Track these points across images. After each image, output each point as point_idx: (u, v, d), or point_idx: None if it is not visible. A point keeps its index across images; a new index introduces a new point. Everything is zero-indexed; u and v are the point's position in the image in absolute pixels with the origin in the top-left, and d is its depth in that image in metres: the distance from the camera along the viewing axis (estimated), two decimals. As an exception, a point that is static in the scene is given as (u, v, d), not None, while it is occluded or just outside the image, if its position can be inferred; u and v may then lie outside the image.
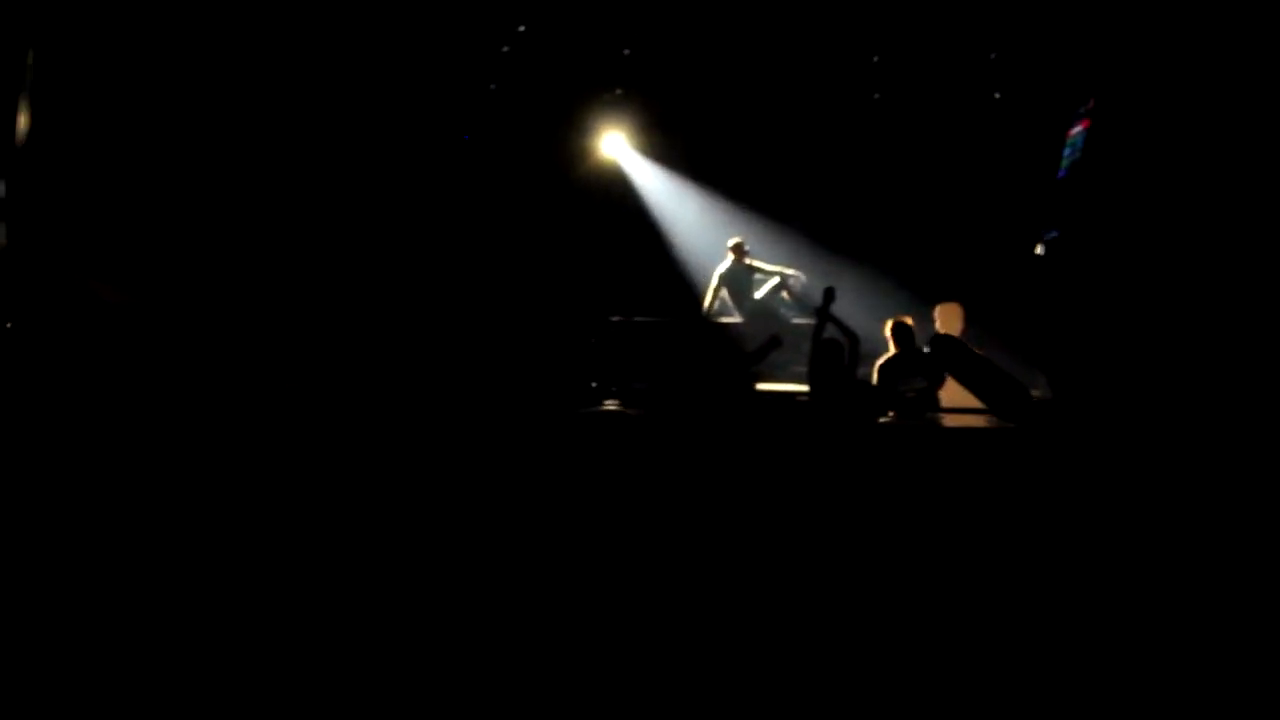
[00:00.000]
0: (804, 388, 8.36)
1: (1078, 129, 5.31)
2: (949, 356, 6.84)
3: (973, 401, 7.90)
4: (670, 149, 10.39)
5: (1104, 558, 4.16)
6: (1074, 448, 4.70)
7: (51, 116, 7.28)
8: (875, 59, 9.26)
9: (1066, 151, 5.55)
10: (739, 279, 9.73)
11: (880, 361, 7.83)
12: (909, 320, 7.85)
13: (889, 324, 7.83)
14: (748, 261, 9.68)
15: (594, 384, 8.95)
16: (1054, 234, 5.13)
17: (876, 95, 9.61)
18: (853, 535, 4.78)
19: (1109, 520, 4.30)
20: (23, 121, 7.04)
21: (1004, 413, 5.93)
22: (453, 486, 5.36)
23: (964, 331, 8.45)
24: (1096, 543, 4.23)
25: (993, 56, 8.94)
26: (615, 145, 10.33)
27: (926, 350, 7.63)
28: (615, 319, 9.52)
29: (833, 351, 7.63)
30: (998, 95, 9.24)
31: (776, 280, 9.64)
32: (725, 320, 9.63)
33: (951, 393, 7.75)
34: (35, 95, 7.06)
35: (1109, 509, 4.34)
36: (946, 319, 8.43)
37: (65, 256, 7.37)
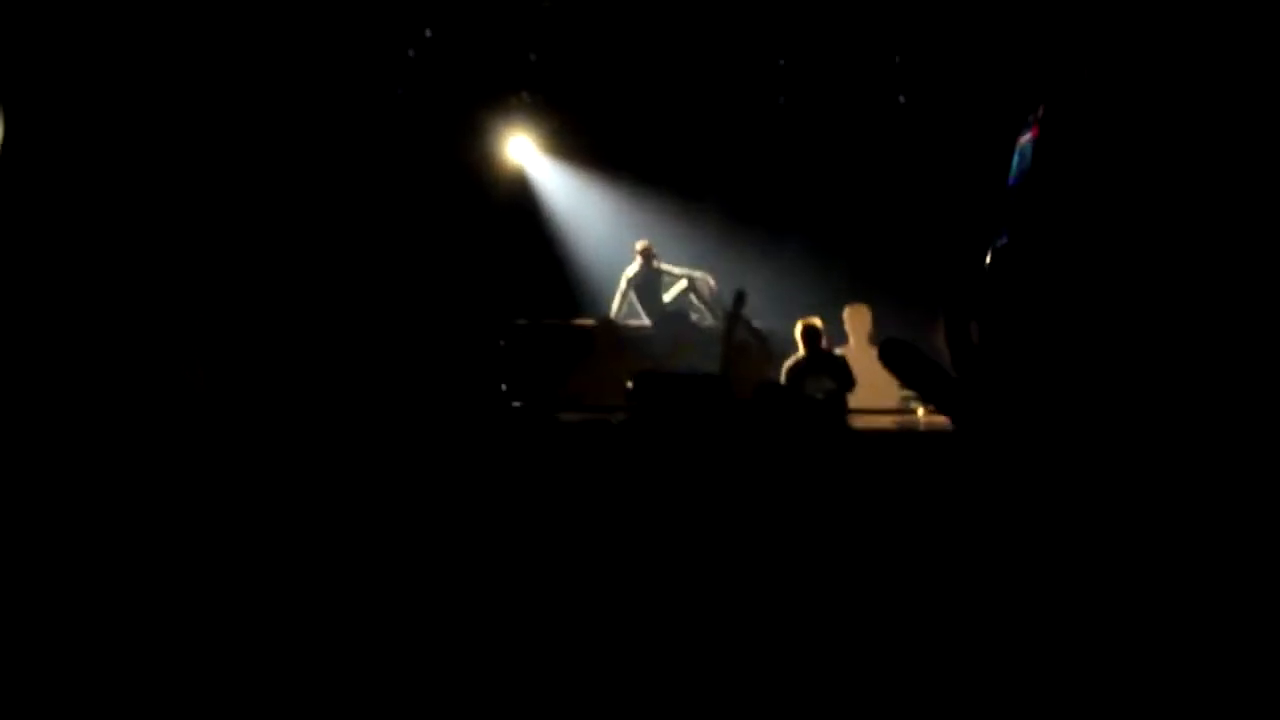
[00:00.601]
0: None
1: (1027, 136, 5.35)
2: (900, 363, 6.88)
3: (886, 405, 7.99)
4: (578, 152, 10.31)
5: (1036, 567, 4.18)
6: (1014, 454, 4.73)
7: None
8: (781, 62, 9.30)
9: (1015, 159, 5.59)
10: (647, 282, 9.67)
11: (788, 364, 7.86)
12: (818, 322, 7.88)
13: (799, 326, 7.86)
14: (656, 264, 9.62)
15: (504, 387, 8.86)
16: (1003, 240, 5.17)
17: (781, 99, 9.64)
18: (769, 542, 4.74)
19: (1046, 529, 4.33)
20: None
21: (957, 418, 5.97)
22: (351, 494, 5.23)
23: (872, 334, 8.54)
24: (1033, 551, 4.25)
25: (897, 60, 9.04)
26: (522, 149, 10.22)
27: (877, 357, 7.68)
28: (522, 323, 9.41)
29: (743, 354, 7.62)
30: (902, 99, 9.36)
31: (685, 283, 9.61)
32: (633, 324, 9.57)
33: (865, 396, 7.82)
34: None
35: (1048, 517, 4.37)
36: (855, 321, 8.51)
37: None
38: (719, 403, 6.69)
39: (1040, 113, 4.59)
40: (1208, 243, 4.42)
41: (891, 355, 6.28)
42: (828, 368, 7.77)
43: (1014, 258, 4.63)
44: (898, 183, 9.73)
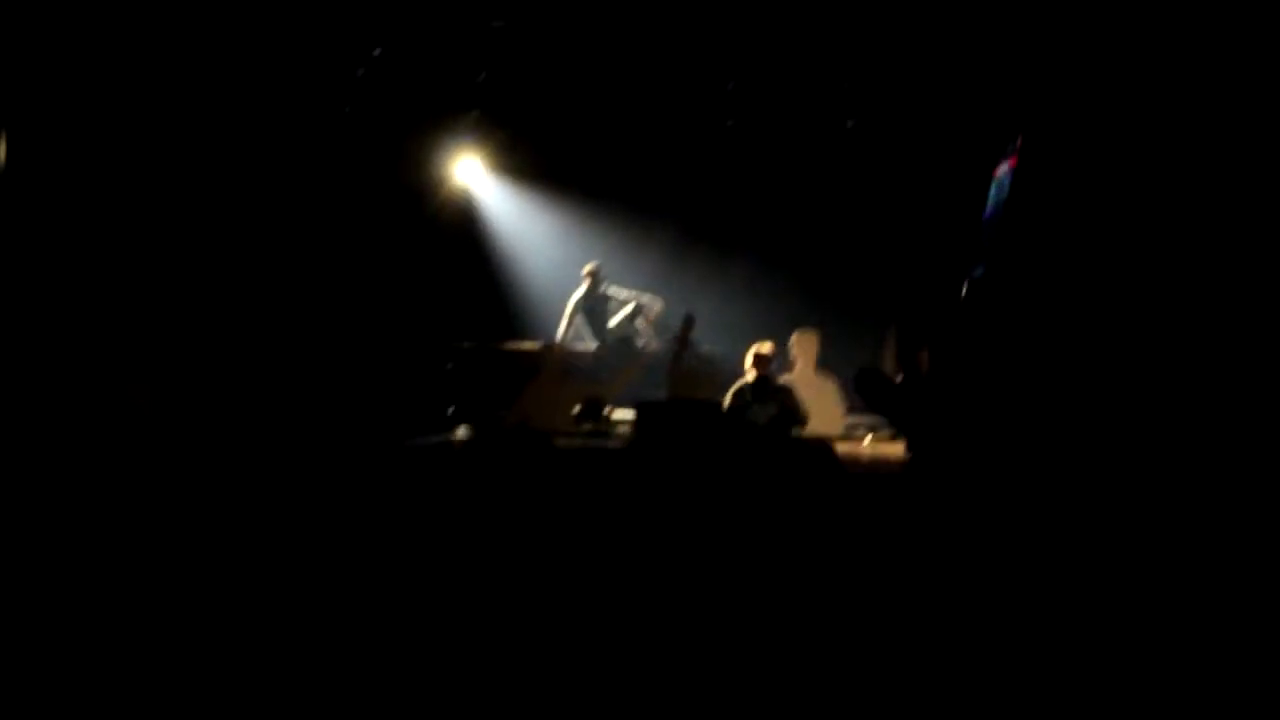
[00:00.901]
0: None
1: (1004, 167, 5.38)
2: (871, 392, 6.95)
3: (832, 432, 7.98)
4: (526, 174, 10.25)
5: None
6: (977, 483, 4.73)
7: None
8: (730, 85, 9.30)
9: (993, 190, 5.62)
10: (594, 306, 9.61)
11: (734, 388, 7.83)
12: (768, 348, 7.86)
13: (750, 351, 7.83)
14: (603, 288, 9.57)
15: (450, 410, 8.75)
16: (979, 271, 5.19)
17: (730, 123, 9.64)
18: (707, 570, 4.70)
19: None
20: None
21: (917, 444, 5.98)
22: (298, 514, 5.13)
23: (819, 360, 8.53)
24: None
25: (845, 85, 9.07)
26: (470, 170, 10.14)
27: (853, 386, 7.70)
28: (469, 345, 9.32)
29: (689, 380, 7.58)
30: (850, 123, 9.39)
31: (632, 307, 9.55)
32: (579, 347, 9.50)
33: (811, 423, 7.80)
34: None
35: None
36: (803, 346, 8.49)
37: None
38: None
39: (1019, 144, 4.63)
40: (1183, 272, 4.47)
41: (864, 384, 6.32)
42: (774, 395, 7.74)
43: (991, 289, 4.65)
44: (846, 207, 9.77)
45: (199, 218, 8.56)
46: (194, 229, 8.52)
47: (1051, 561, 4.22)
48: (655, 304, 9.55)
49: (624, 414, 8.32)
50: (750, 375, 7.79)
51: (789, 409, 7.69)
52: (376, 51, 8.88)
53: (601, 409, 8.45)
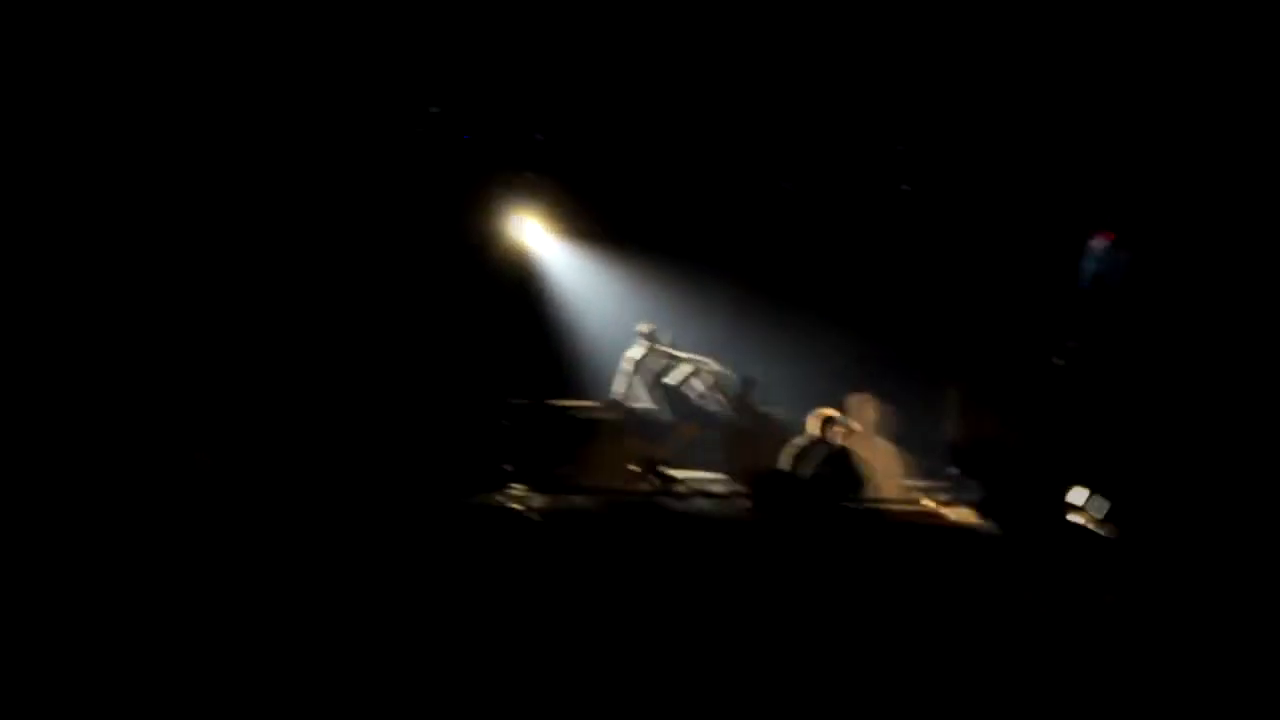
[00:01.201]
0: (717, 476, 8.34)
1: (1101, 240, 5.39)
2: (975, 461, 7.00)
3: (890, 495, 7.94)
4: (586, 231, 10.34)
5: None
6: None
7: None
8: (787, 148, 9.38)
9: (1089, 262, 5.63)
10: (650, 365, 9.62)
11: (794, 449, 7.82)
12: (829, 411, 7.87)
13: (814, 415, 7.86)
14: (660, 347, 9.58)
15: (508, 468, 8.78)
16: (1074, 344, 5.19)
17: (788, 185, 9.70)
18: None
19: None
20: None
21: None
22: (361, 572, 5.16)
23: (876, 424, 8.49)
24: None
25: (900, 149, 9.12)
26: (528, 228, 10.25)
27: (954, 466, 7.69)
28: (526, 403, 9.34)
29: (749, 442, 7.60)
30: (906, 187, 9.41)
31: (690, 367, 9.55)
32: (636, 407, 9.50)
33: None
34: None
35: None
36: (860, 412, 8.45)
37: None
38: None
39: (1115, 217, 4.62)
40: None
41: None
42: (831, 458, 7.73)
43: (1088, 360, 4.64)
44: (906, 270, 9.75)
45: (264, 267, 8.76)
46: (259, 277, 8.72)
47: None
48: (713, 364, 9.55)
49: (685, 474, 8.31)
50: (810, 438, 7.80)
51: (846, 471, 7.67)
52: (433, 110, 9.08)
53: (660, 469, 8.45)
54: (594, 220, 10.17)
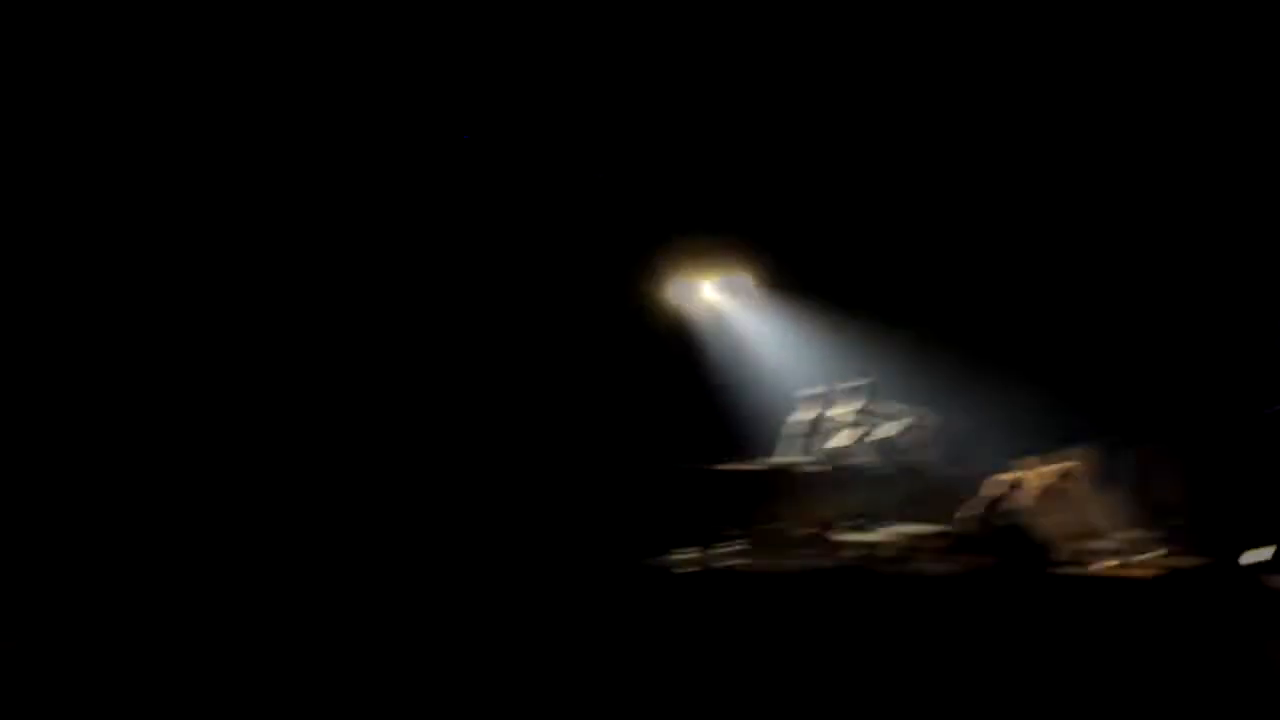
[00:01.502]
0: (921, 529, 8.36)
1: None
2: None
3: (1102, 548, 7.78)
4: (768, 289, 10.45)
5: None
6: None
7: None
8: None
9: None
10: (866, 418, 9.70)
11: (968, 511, 7.83)
12: (1009, 475, 7.85)
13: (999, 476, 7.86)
14: (873, 403, 9.66)
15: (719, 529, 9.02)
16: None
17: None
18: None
19: None
20: None
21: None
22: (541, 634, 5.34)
23: (1095, 476, 8.31)
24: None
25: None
26: (720, 287, 10.49)
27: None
28: (699, 466, 9.47)
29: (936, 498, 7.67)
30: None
31: (905, 422, 9.57)
32: (813, 469, 9.48)
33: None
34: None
35: None
36: (1070, 464, 8.30)
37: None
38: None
39: None
40: None
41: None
42: (1005, 523, 7.68)
43: None
44: (1120, 322, 9.51)
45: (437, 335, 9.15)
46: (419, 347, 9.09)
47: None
48: (928, 419, 9.53)
49: (902, 529, 8.37)
50: (985, 503, 7.79)
51: (1017, 536, 7.61)
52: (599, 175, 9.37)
53: (870, 524, 8.54)
54: (779, 274, 10.27)
